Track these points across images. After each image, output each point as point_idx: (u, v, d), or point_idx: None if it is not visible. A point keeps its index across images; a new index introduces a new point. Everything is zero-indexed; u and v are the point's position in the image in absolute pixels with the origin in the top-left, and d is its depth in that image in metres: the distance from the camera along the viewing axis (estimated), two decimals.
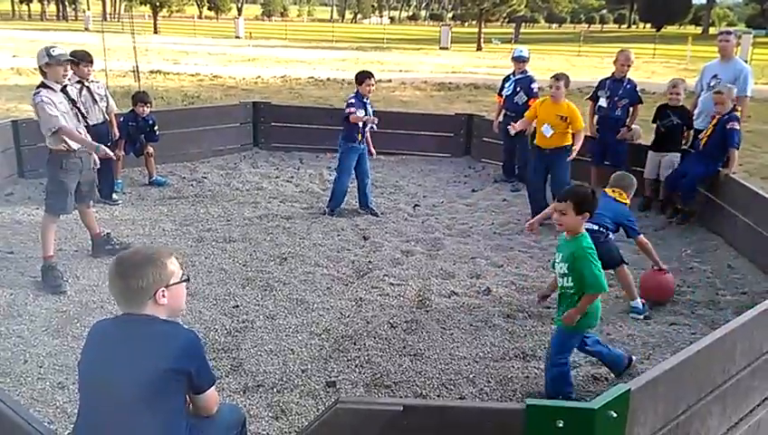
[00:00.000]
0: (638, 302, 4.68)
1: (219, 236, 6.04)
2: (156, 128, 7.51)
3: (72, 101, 4.95)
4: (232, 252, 5.64)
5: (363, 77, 6.57)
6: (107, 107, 6.70)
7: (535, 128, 6.68)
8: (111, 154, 5.01)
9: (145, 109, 7.38)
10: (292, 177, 8.32)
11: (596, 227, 4.45)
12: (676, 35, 52.95)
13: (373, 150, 6.88)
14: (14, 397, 3.27)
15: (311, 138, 9.32)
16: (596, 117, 7.48)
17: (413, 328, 4.38)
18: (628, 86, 7.16)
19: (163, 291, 2.21)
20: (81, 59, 6.21)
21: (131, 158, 7.57)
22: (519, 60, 8.04)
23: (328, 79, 20.06)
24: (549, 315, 4.59)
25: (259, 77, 20.11)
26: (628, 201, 4.85)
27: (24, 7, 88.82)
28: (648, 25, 71.84)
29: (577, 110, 6.45)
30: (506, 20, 53.10)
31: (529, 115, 6.68)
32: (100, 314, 4.40)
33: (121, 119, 7.21)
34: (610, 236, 4.62)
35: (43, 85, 4.77)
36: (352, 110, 6.43)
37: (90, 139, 4.95)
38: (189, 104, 13.50)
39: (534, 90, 7.87)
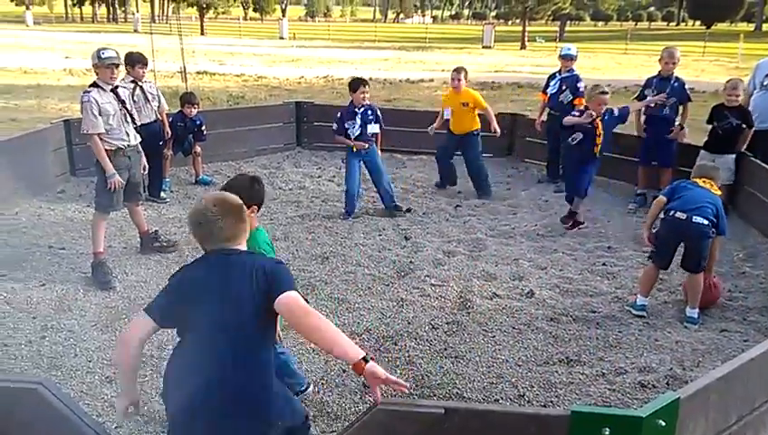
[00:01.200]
0: (696, 311, 4.51)
1: None
2: (203, 128, 7.65)
3: (122, 102, 5.07)
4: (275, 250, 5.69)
5: (357, 85, 6.57)
6: (158, 106, 6.87)
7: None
8: (121, 183, 4.98)
9: (192, 110, 7.53)
10: (334, 176, 8.36)
11: (705, 222, 4.31)
12: (727, 33, 51.33)
13: (378, 151, 6.88)
14: (64, 390, 3.36)
15: None
16: (643, 116, 7.28)
17: (454, 330, 4.35)
18: (676, 84, 6.91)
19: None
20: (136, 61, 6.43)
21: (179, 157, 7.73)
22: (567, 58, 7.89)
23: (370, 78, 19.92)
24: (595, 320, 4.51)
25: (302, 77, 20.29)
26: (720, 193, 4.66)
27: (77, 10, 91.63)
28: (698, 23, 69.80)
29: (477, 93, 7.68)
30: (551, 18, 52.30)
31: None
32: None
33: (170, 119, 7.38)
34: (713, 232, 4.40)
35: (94, 84, 4.96)
36: (336, 137, 6.74)
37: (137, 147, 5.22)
38: (234, 104, 13.70)
39: (581, 89, 7.70)
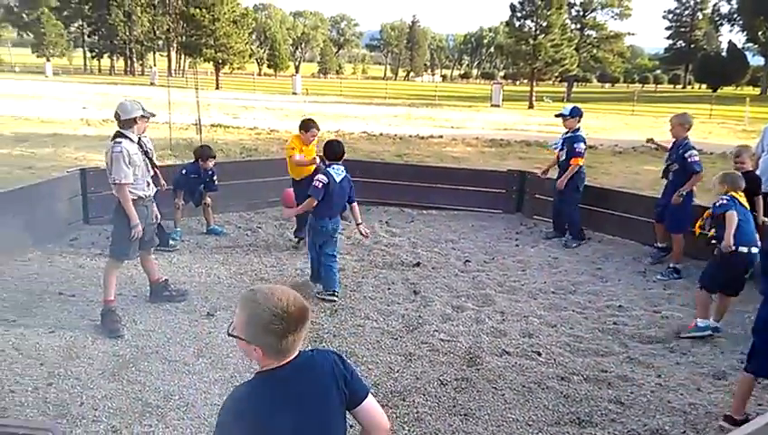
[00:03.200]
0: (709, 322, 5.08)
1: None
2: (215, 178, 7.76)
3: (145, 153, 5.17)
4: None
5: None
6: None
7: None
8: (140, 231, 5.03)
9: (209, 163, 7.65)
10: (343, 229, 8.38)
11: (755, 250, 4.72)
12: (732, 96, 52.07)
13: None
14: None
15: (363, 191, 9.40)
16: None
17: (463, 386, 4.30)
18: (680, 151, 6.80)
19: None
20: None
21: (190, 207, 7.81)
22: (560, 117, 8.04)
23: (380, 134, 20.42)
24: (606, 380, 4.45)
25: None
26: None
27: (95, 62, 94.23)
28: (704, 86, 70.92)
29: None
30: (558, 79, 53.33)
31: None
32: (155, 358, 4.48)
33: (183, 171, 7.49)
34: None
35: (122, 135, 4.97)
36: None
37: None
38: (247, 157, 13.91)
39: (577, 149, 7.69)
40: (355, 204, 6.04)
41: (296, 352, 1.99)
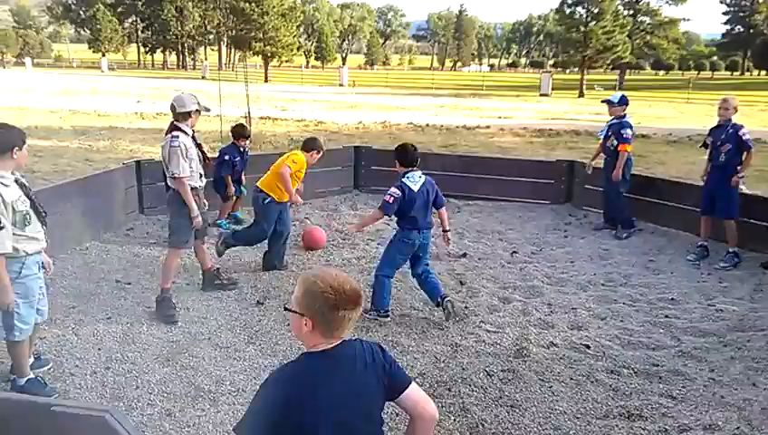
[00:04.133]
0: None
1: None
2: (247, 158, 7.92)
3: (198, 146, 5.28)
4: None
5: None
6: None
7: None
8: (200, 222, 5.21)
9: (246, 142, 7.81)
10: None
11: None
12: None
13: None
14: None
15: None
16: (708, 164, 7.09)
17: (510, 378, 4.27)
18: (731, 130, 6.65)
19: None
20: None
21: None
22: (607, 103, 7.90)
23: (426, 125, 20.36)
24: (657, 374, 4.35)
25: (360, 123, 20.72)
26: None
27: (149, 57, 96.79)
28: (764, 72, 67.99)
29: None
30: (610, 67, 52.03)
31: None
32: (207, 344, 4.61)
33: (226, 156, 7.63)
34: None
35: (178, 129, 5.05)
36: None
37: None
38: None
39: (624, 135, 7.59)
40: (443, 209, 5.38)
41: (344, 335, 2.04)
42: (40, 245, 3.77)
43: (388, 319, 5.19)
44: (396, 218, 5.28)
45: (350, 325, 2.03)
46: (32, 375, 3.92)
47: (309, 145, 6.51)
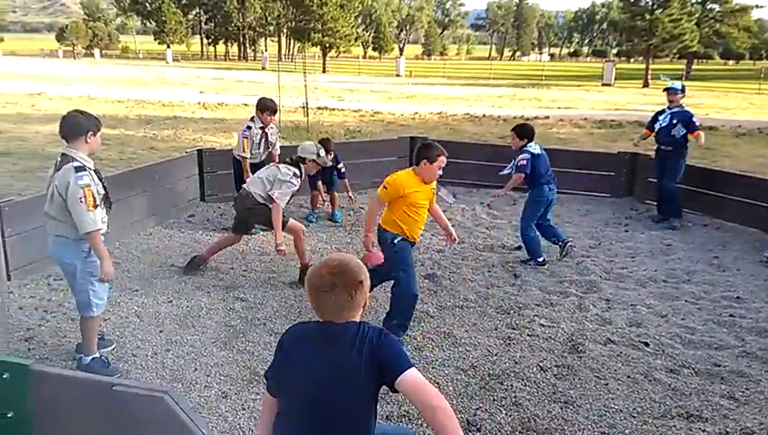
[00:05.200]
0: None
1: None
2: (340, 166, 7.78)
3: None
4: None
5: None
6: (274, 148, 7.27)
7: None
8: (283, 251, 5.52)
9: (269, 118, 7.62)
10: (444, 210, 8.34)
11: None
12: None
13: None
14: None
15: (465, 173, 9.37)
16: None
17: (564, 374, 4.20)
18: None
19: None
20: (264, 108, 6.91)
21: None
22: (671, 91, 7.70)
23: (484, 115, 20.13)
24: (719, 374, 4.20)
25: (417, 113, 20.65)
26: None
27: (211, 48, 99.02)
28: None
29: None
30: (676, 56, 50.09)
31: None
32: (263, 330, 4.71)
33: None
34: None
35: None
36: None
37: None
38: (351, 138, 14.16)
39: (696, 123, 7.52)
40: None
41: (333, 316, 2.20)
42: (104, 229, 3.94)
43: (545, 266, 6.22)
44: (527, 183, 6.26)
45: (335, 307, 2.18)
46: (97, 354, 4.09)
47: (427, 151, 4.69)
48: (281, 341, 2.31)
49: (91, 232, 3.70)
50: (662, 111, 7.82)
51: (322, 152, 5.86)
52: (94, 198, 3.69)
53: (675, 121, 7.54)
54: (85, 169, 3.72)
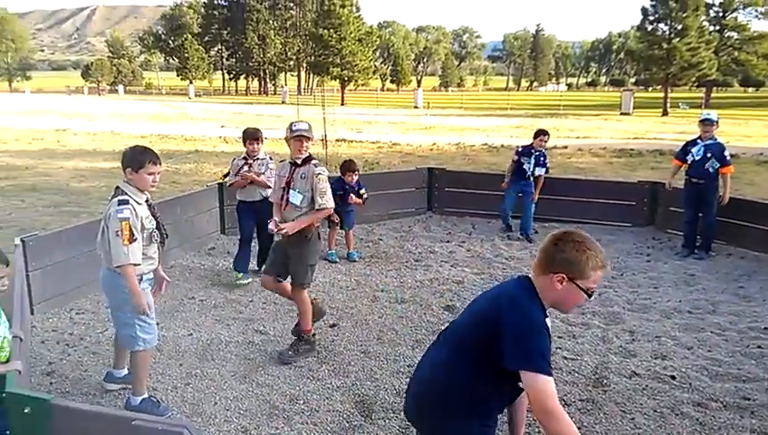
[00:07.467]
0: None
1: (392, 296, 6.20)
2: (362, 192, 7.60)
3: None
4: (403, 313, 5.76)
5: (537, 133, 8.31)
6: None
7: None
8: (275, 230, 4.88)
9: (353, 177, 7.47)
10: (463, 241, 8.37)
11: None
12: None
13: None
14: None
15: (483, 203, 9.36)
16: None
17: (589, 408, 4.12)
18: None
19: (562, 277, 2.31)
20: (247, 136, 6.60)
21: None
22: (707, 123, 7.55)
23: (501, 146, 20.16)
24: (749, 408, 4.09)
25: (434, 144, 20.75)
26: None
27: (233, 84, 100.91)
28: None
29: None
30: (695, 84, 49.95)
31: None
32: (303, 361, 4.68)
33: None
34: None
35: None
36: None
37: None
38: (369, 170, 14.24)
39: (728, 157, 7.40)
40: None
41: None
42: (154, 264, 3.96)
43: None
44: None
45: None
46: (146, 395, 4.01)
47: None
48: (545, 324, 2.27)
49: (123, 265, 3.66)
50: (694, 143, 7.67)
51: (294, 126, 5.14)
52: (131, 232, 3.65)
53: (709, 155, 7.44)
54: (128, 203, 3.71)
